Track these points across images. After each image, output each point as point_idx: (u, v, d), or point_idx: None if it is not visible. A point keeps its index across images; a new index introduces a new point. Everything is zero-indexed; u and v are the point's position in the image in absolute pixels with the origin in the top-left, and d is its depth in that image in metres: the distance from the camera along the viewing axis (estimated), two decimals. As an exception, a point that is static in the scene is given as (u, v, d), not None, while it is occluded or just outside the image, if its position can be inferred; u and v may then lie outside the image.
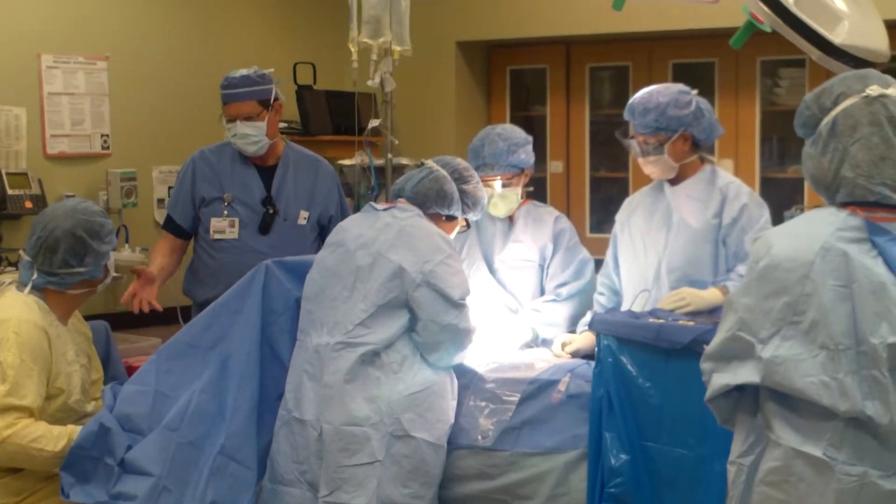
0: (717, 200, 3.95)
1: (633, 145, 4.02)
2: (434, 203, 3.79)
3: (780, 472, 2.45)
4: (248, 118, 4.58)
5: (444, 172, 3.82)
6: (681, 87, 4.01)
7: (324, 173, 4.84)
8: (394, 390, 3.50)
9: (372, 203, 3.84)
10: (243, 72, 4.63)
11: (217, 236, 4.66)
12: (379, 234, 3.64)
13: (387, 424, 3.48)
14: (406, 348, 3.56)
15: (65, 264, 3.60)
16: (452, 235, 3.88)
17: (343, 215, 4.82)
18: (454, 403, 3.64)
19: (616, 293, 4.17)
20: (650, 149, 3.96)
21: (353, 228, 3.73)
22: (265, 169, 4.72)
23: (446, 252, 3.62)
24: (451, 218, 3.86)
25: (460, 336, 3.59)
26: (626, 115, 4.03)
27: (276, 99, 4.65)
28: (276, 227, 4.68)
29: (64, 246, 3.58)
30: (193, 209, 4.70)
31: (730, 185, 3.98)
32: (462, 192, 3.84)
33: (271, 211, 4.67)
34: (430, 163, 3.86)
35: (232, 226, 4.66)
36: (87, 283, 3.69)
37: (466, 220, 3.96)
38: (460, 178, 3.85)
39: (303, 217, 4.72)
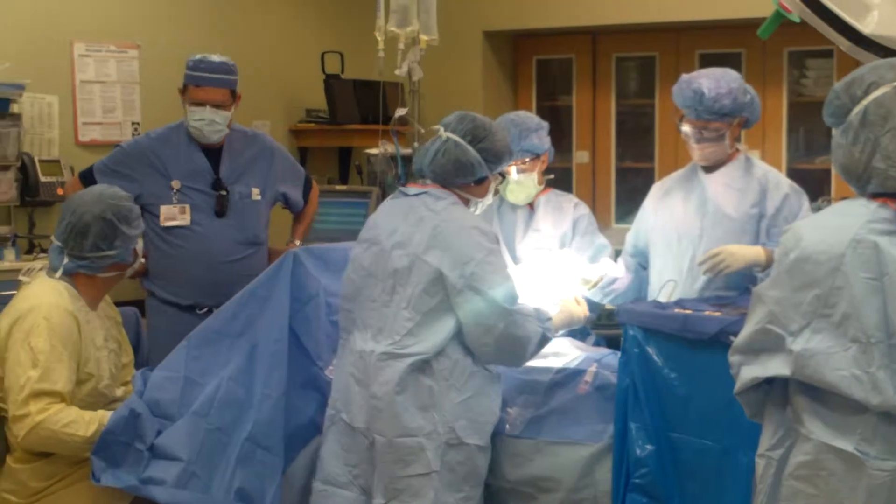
0: (756, 191, 3.92)
1: (690, 131, 3.95)
2: (455, 176, 3.56)
3: (811, 466, 2.45)
4: (218, 106, 4.54)
5: (455, 139, 3.55)
6: (733, 71, 3.97)
7: (261, 147, 4.81)
8: (446, 398, 3.40)
9: (402, 188, 3.68)
10: (216, 57, 4.58)
11: (168, 224, 4.59)
12: (414, 231, 3.46)
13: (441, 434, 3.38)
14: (456, 353, 3.43)
15: (95, 248, 3.62)
16: (489, 195, 3.70)
17: (294, 183, 4.87)
18: (499, 400, 3.55)
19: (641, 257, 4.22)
20: (712, 135, 3.92)
21: (386, 223, 3.56)
22: (211, 151, 4.67)
23: (487, 248, 3.43)
24: (481, 180, 3.63)
25: (509, 341, 3.42)
26: (688, 101, 3.92)
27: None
28: (233, 207, 4.65)
29: (94, 230, 3.61)
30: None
31: (768, 174, 3.96)
32: (481, 151, 3.56)
33: (224, 193, 4.63)
34: (441, 131, 3.62)
35: (183, 212, 4.60)
36: (117, 266, 3.71)
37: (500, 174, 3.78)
38: (474, 139, 3.57)
39: (256, 193, 4.71)
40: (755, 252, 3.82)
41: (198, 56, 4.58)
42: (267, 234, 4.82)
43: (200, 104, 4.53)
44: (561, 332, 4.02)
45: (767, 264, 3.77)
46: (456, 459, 3.40)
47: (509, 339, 3.41)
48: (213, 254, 4.59)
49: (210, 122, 4.55)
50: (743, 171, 3.97)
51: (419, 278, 3.41)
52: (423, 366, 3.39)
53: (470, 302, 3.38)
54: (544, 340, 3.52)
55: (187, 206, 4.60)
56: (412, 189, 3.61)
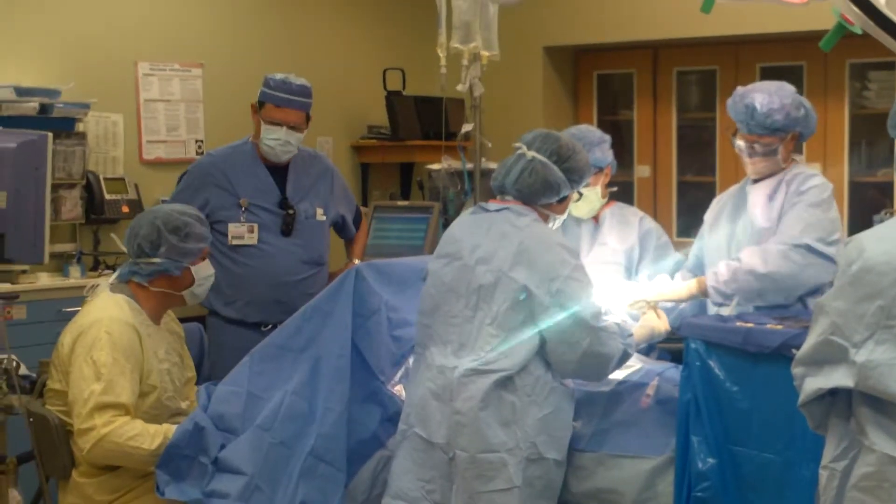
0: (783, 194, 3.90)
1: (742, 146, 3.94)
2: (541, 195, 3.55)
3: (874, 477, 2.43)
4: (293, 127, 4.59)
5: (541, 159, 3.53)
6: (788, 85, 3.95)
7: (323, 168, 4.87)
8: (528, 414, 3.37)
9: (481, 203, 3.66)
10: (296, 79, 4.63)
11: (236, 242, 4.62)
12: (497, 247, 3.44)
13: (523, 449, 3.36)
14: (538, 369, 3.40)
15: (141, 252, 3.67)
16: (567, 211, 3.69)
17: (349, 207, 4.94)
18: (572, 414, 3.54)
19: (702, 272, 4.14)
20: (764, 150, 3.91)
21: (467, 238, 3.53)
22: (276, 169, 4.71)
23: (571, 264, 3.41)
24: (563, 199, 3.62)
25: (593, 358, 3.40)
26: (740, 116, 3.92)
27: None
28: (298, 226, 4.68)
29: (141, 233, 3.67)
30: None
31: (796, 176, 3.92)
32: (566, 171, 3.55)
33: (291, 212, 4.66)
34: (524, 150, 3.58)
35: (251, 231, 4.63)
36: (167, 279, 3.73)
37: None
38: (559, 159, 3.55)
39: (320, 213, 4.75)
40: (687, 287, 3.96)
41: (279, 76, 4.63)
42: (328, 254, 4.85)
43: (278, 124, 4.58)
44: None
45: (701, 293, 3.94)
46: (535, 474, 3.39)
47: (593, 355, 3.40)
48: (279, 273, 4.63)
49: (285, 142, 4.60)
50: (777, 180, 3.94)
51: (505, 295, 3.39)
52: (506, 382, 3.36)
53: (556, 318, 3.36)
54: (625, 357, 3.51)
55: (255, 226, 4.64)
56: (492, 205, 3.59)
